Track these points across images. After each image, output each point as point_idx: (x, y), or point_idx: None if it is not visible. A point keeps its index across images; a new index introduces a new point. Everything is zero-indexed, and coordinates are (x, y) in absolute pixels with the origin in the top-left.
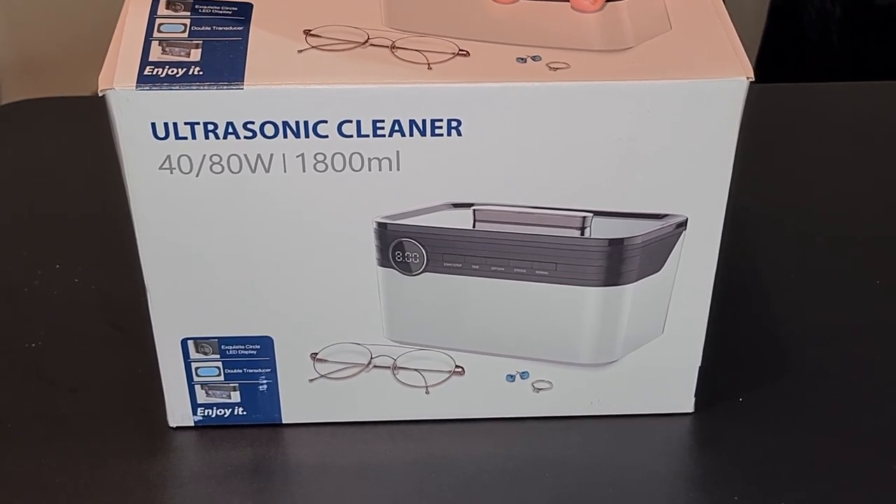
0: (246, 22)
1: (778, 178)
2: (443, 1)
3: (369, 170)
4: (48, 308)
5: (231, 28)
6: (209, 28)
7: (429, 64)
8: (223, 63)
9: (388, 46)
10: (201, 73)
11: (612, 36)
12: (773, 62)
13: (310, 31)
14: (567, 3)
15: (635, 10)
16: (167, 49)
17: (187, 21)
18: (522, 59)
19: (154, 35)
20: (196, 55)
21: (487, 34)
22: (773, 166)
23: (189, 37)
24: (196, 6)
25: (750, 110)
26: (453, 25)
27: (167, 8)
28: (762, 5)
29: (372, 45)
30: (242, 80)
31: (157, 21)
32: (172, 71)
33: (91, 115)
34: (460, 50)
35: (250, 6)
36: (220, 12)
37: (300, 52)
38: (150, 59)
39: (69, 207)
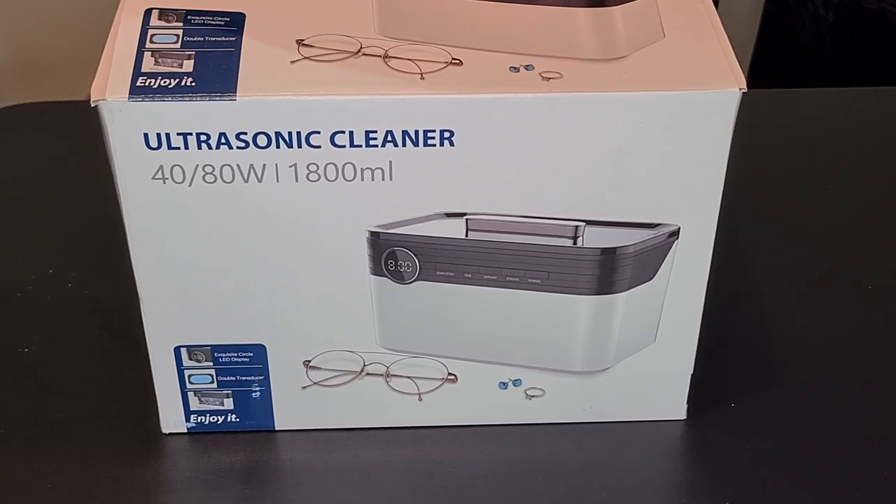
0: (238, 32)
1: (770, 184)
2: (435, 7)
3: (362, 180)
4: (41, 313)
5: (224, 39)
6: (202, 39)
7: (421, 74)
8: (216, 73)
9: (380, 56)
10: (194, 83)
11: (606, 43)
12: (767, 68)
13: (302, 40)
14: (560, 8)
15: (629, 17)
16: (160, 60)
17: (180, 32)
18: (515, 68)
19: (146, 46)
20: (189, 66)
21: (480, 41)
22: (765, 172)
23: (182, 48)
24: (189, 17)
25: (743, 116)
26: (446, 32)
27: (160, 19)
28: (755, 11)
29: (364, 54)
30: (235, 91)
31: (150, 32)
32: (165, 81)
33: (87, 120)
34: (453, 59)
35: (243, 16)
36: (213, 23)
37: (293, 62)
38: (142, 70)
39: (63, 212)
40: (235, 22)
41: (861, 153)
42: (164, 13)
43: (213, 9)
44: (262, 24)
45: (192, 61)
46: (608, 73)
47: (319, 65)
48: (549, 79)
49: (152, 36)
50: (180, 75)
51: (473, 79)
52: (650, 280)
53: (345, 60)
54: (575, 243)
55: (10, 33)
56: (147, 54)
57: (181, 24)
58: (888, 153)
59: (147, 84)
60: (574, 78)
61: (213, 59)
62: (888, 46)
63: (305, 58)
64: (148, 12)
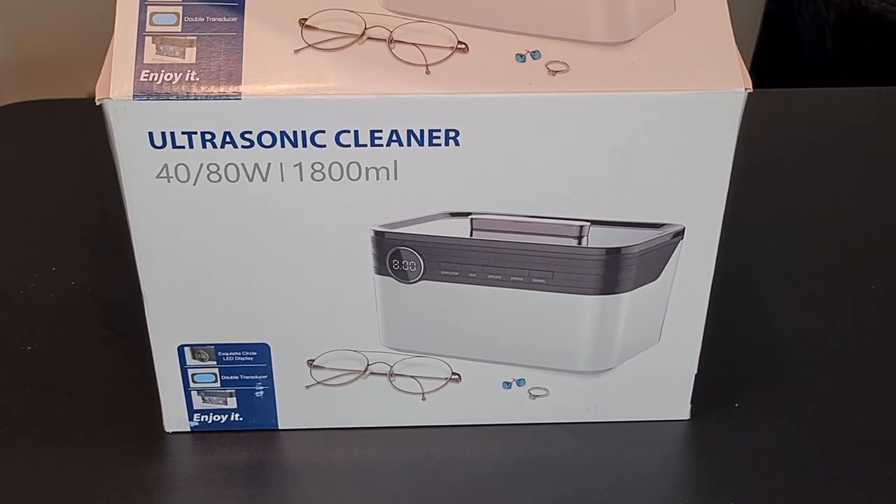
0: (240, 10)
1: (772, 184)
2: None
3: (367, 179)
4: (44, 311)
5: (225, 19)
6: (203, 19)
7: (427, 66)
8: (219, 65)
9: (385, 40)
10: (198, 78)
11: (614, 20)
12: (768, 67)
13: (305, 20)
14: None
15: None
16: (161, 48)
17: (179, 9)
18: (521, 56)
19: (147, 29)
20: (191, 55)
21: (487, 17)
22: (767, 172)
23: (182, 30)
24: None
25: (744, 115)
26: (452, 7)
27: None
28: (756, 11)
29: (369, 38)
30: (240, 90)
31: (149, 10)
32: (168, 76)
33: (88, 117)
34: (459, 43)
35: None
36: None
37: (297, 51)
38: (144, 62)
39: (65, 210)
40: None
41: (862, 153)
42: None
43: None
44: None
45: (195, 49)
46: (614, 64)
47: (323, 55)
48: (555, 72)
49: (152, 15)
50: (183, 68)
51: (479, 71)
52: (655, 280)
53: (349, 48)
54: (580, 243)
55: (10, 31)
56: (148, 40)
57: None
58: (889, 153)
59: (151, 79)
60: (581, 70)
61: (215, 45)
62: (889, 47)
63: (309, 45)
64: None
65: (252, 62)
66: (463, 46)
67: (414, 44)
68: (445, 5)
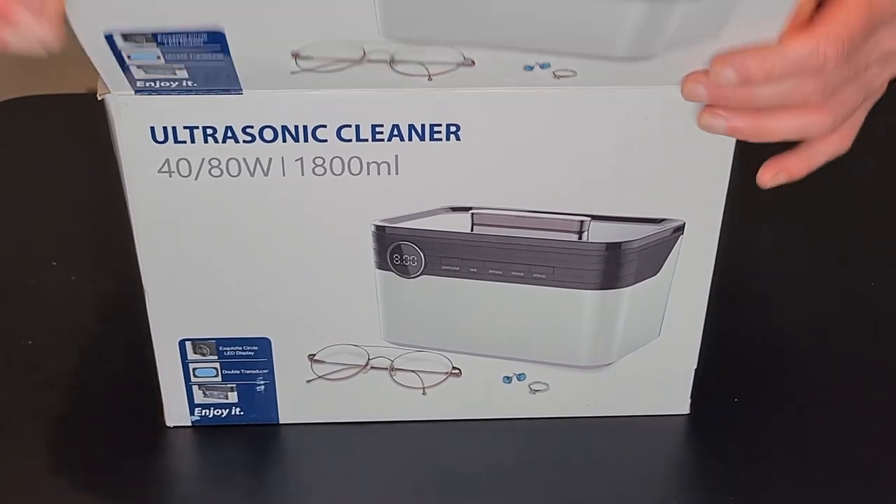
0: (224, 50)
1: None
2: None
3: (368, 174)
4: (45, 306)
5: (210, 56)
6: (186, 56)
7: (429, 76)
8: (216, 77)
9: (386, 61)
10: (195, 84)
11: (645, 39)
12: None
13: (298, 53)
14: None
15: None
16: (149, 71)
17: (158, 50)
18: (530, 66)
19: (127, 63)
20: (183, 73)
21: (496, 35)
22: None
23: (167, 62)
24: (159, 38)
25: None
26: (459, 30)
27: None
28: None
29: (369, 61)
30: (241, 86)
31: (124, 52)
32: (166, 84)
33: (89, 112)
34: (465, 59)
35: (222, 35)
36: (191, 42)
37: (293, 73)
38: (136, 77)
39: (66, 205)
40: (215, 39)
41: (862, 150)
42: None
43: (185, 26)
44: (247, 37)
45: (185, 71)
46: (623, 67)
47: (322, 76)
48: (560, 77)
49: (129, 56)
50: (178, 80)
51: (483, 78)
52: (655, 275)
53: (349, 69)
54: (580, 238)
55: None
56: (133, 66)
57: (155, 43)
58: (889, 152)
59: (148, 85)
60: (586, 76)
61: (206, 68)
62: None
63: (305, 70)
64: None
65: (249, 78)
66: (469, 63)
67: (417, 62)
68: (451, 27)
